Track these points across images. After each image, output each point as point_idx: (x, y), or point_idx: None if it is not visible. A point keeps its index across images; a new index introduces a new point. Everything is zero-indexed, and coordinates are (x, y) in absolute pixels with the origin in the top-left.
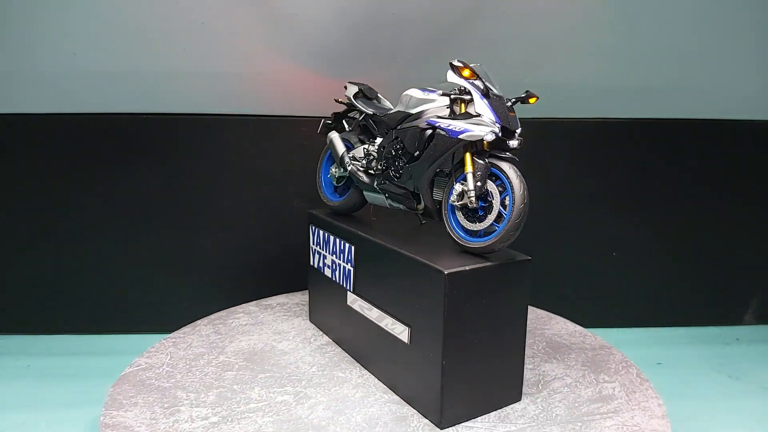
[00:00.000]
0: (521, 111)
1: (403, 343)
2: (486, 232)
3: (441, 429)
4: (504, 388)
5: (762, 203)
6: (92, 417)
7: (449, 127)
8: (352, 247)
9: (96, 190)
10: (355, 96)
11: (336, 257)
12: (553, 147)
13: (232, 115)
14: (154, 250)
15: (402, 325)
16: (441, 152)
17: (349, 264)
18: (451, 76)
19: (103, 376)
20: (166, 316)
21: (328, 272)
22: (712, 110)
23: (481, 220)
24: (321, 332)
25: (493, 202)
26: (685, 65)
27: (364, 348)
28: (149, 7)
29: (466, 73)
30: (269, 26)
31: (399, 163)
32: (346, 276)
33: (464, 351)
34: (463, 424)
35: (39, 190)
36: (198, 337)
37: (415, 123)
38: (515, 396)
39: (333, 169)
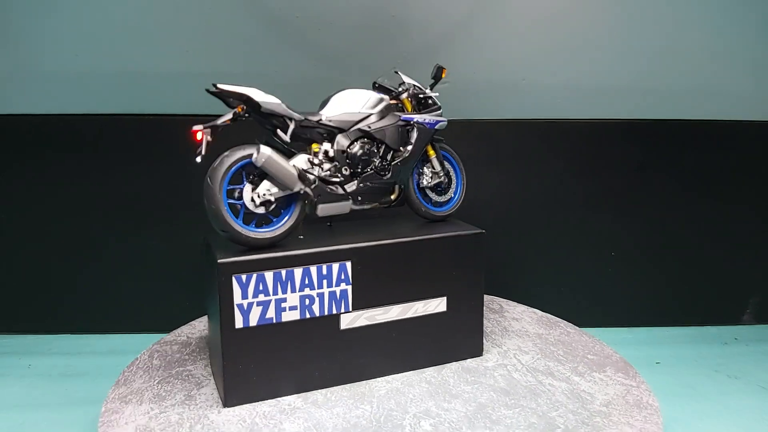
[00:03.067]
0: (519, 111)
1: (440, 313)
2: (446, 202)
3: (482, 356)
4: None
5: (761, 203)
6: (92, 417)
7: (425, 121)
8: (347, 264)
9: (96, 190)
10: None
11: (312, 289)
12: (553, 147)
13: None
14: (154, 250)
15: (437, 299)
16: (425, 143)
17: (344, 284)
18: (406, 78)
19: (103, 376)
20: (166, 317)
21: (290, 316)
22: (712, 110)
23: (446, 192)
24: (274, 401)
25: (452, 176)
26: (685, 65)
27: (375, 358)
28: (150, 8)
29: (443, 73)
30: (270, 27)
31: (381, 161)
32: (339, 299)
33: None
34: (485, 347)
35: (39, 190)
36: None
37: (389, 121)
38: None
39: (261, 192)
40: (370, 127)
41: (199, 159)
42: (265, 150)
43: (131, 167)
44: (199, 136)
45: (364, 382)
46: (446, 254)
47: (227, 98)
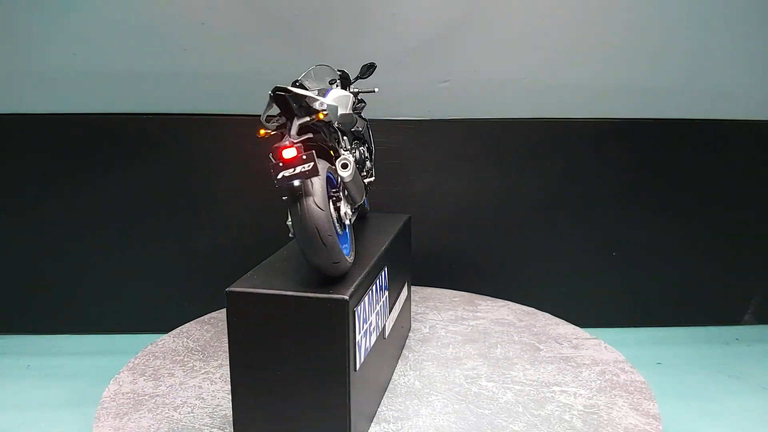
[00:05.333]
0: (520, 110)
1: (407, 297)
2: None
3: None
4: None
5: (762, 203)
6: (91, 417)
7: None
8: (385, 270)
9: (96, 190)
10: None
11: (377, 303)
12: (553, 147)
13: (231, 115)
14: (154, 250)
15: (406, 284)
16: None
17: (385, 290)
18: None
19: (103, 376)
20: (166, 316)
21: (372, 339)
22: (712, 110)
23: None
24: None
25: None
26: (685, 65)
27: (388, 357)
28: (149, 8)
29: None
30: (269, 27)
31: (369, 163)
32: (384, 307)
33: None
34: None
35: (39, 190)
36: None
37: (362, 122)
38: None
39: (348, 211)
40: (359, 128)
41: (297, 182)
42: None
43: (130, 167)
44: (291, 153)
45: (390, 384)
46: (406, 241)
47: (292, 104)
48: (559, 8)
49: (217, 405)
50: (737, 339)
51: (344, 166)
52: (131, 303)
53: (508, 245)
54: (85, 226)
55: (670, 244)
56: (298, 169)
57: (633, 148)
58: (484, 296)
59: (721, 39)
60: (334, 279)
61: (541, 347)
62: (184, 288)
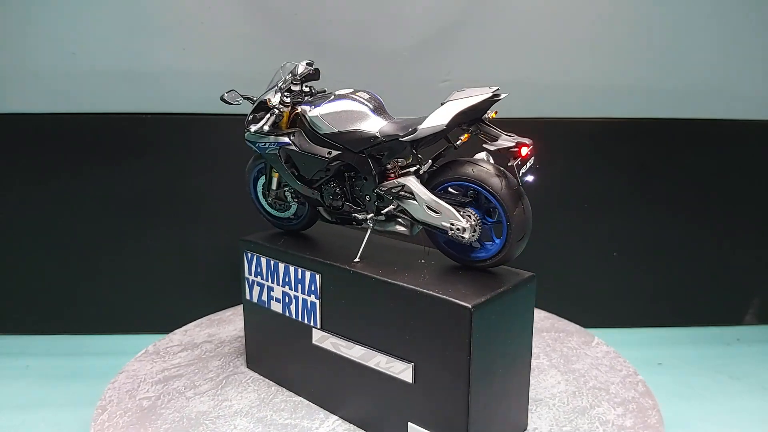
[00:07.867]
0: (521, 110)
1: None
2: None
3: None
4: None
5: (762, 203)
6: (90, 417)
7: None
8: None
9: (95, 190)
10: None
11: None
12: (553, 147)
13: (231, 115)
14: (153, 250)
15: None
16: None
17: None
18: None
19: (102, 377)
20: (165, 317)
21: None
22: (715, 109)
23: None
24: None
25: None
26: (685, 65)
27: None
28: (148, 7)
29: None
30: (269, 26)
31: None
32: None
33: None
34: None
35: (38, 190)
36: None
37: None
38: None
39: None
40: None
41: (532, 178)
42: None
43: (130, 167)
44: (527, 150)
45: None
46: None
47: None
48: (559, 8)
49: None
50: (738, 339)
51: None
52: (131, 303)
53: None
54: (84, 226)
55: (671, 244)
56: (528, 165)
57: (633, 148)
58: None
59: (721, 39)
60: (478, 268)
61: None
62: (184, 288)
